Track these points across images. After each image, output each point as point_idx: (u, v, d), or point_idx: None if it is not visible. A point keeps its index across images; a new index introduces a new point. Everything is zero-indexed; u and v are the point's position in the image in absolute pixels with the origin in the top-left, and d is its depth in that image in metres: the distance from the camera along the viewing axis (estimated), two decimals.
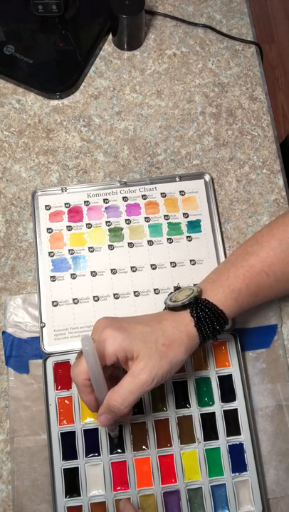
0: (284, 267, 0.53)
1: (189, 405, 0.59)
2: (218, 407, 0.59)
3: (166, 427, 0.58)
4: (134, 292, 0.63)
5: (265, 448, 0.59)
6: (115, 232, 0.65)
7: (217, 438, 0.58)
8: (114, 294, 0.63)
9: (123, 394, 0.48)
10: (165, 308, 0.55)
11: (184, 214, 0.66)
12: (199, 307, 0.51)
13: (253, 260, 0.53)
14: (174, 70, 0.76)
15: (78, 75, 0.73)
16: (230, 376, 0.60)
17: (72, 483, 0.57)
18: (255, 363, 0.62)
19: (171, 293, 0.56)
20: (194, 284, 0.63)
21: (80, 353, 0.49)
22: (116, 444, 0.58)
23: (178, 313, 0.52)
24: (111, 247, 0.65)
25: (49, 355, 0.60)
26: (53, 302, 0.62)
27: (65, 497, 0.56)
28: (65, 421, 0.58)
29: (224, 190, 0.69)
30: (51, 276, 0.63)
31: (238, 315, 0.55)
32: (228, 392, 0.60)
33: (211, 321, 0.51)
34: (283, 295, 0.58)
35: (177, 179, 0.68)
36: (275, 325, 0.63)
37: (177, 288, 0.56)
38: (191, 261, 0.64)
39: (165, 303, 0.54)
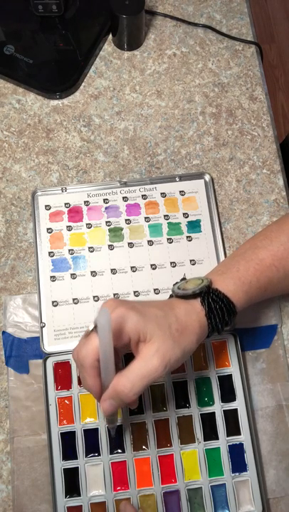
0: None
1: (189, 405, 0.59)
2: (218, 407, 0.59)
3: (166, 427, 0.58)
4: (134, 292, 0.63)
5: (265, 448, 0.59)
6: (115, 232, 0.65)
7: (217, 438, 0.58)
8: (114, 294, 0.63)
9: (133, 379, 0.45)
10: (171, 296, 0.54)
11: (184, 214, 0.66)
12: (211, 296, 0.50)
13: (263, 254, 0.53)
14: (174, 70, 0.76)
15: (78, 75, 0.73)
16: (230, 376, 0.60)
17: (72, 483, 0.57)
18: (255, 363, 0.62)
19: (178, 282, 0.55)
20: None
21: (88, 333, 0.46)
22: (113, 438, 0.57)
23: (188, 301, 0.50)
24: (111, 247, 0.65)
25: (49, 355, 0.60)
26: (53, 302, 0.62)
27: (65, 497, 0.56)
28: (65, 421, 0.58)
29: (224, 190, 0.69)
30: (51, 276, 0.63)
31: (244, 308, 0.53)
32: (228, 392, 0.60)
33: (221, 312, 0.50)
34: None
35: (177, 179, 0.68)
36: (275, 325, 0.63)
37: (183, 278, 0.56)
38: (191, 261, 0.64)
39: (173, 291, 0.53)
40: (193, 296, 0.50)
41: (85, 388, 0.49)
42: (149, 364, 0.45)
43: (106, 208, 0.66)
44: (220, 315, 0.50)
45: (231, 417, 0.59)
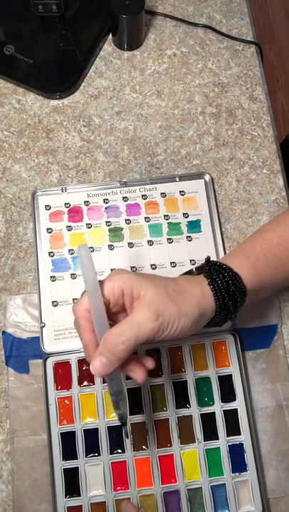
0: None
1: (189, 405, 0.59)
2: (218, 407, 0.59)
3: (166, 427, 0.58)
4: None
5: (265, 448, 0.59)
6: (115, 232, 0.65)
7: (217, 438, 0.58)
8: None
9: (123, 330, 0.43)
10: None
11: (184, 214, 0.66)
12: (213, 267, 0.49)
13: (270, 235, 0.52)
14: (174, 70, 0.76)
15: (78, 75, 0.73)
16: (230, 376, 0.60)
17: (72, 483, 0.57)
18: (255, 363, 0.62)
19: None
20: None
21: (84, 292, 0.45)
22: (123, 424, 0.50)
23: (192, 275, 0.50)
24: (111, 247, 0.65)
25: (49, 355, 0.60)
26: (53, 302, 0.62)
27: (65, 497, 0.56)
28: (65, 421, 0.58)
29: (224, 190, 0.69)
30: (51, 276, 0.63)
31: (258, 289, 0.51)
32: (228, 392, 0.60)
33: (226, 284, 0.48)
34: None
35: (177, 179, 0.68)
36: (275, 325, 0.63)
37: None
38: (191, 261, 0.64)
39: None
40: (197, 273, 0.50)
41: (84, 353, 0.46)
42: (140, 315, 0.43)
43: (106, 208, 0.66)
44: (225, 287, 0.48)
45: (231, 417, 0.59)
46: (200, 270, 0.50)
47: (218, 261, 0.50)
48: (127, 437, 0.57)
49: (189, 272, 0.52)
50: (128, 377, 0.59)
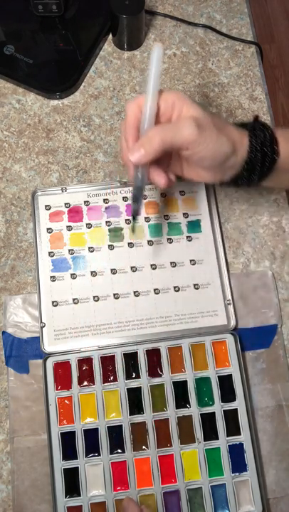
0: None
1: (189, 405, 0.59)
2: (218, 407, 0.59)
3: (166, 427, 0.58)
4: (134, 292, 0.63)
5: (265, 448, 0.59)
6: (115, 232, 0.65)
7: (217, 438, 0.58)
8: (114, 294, 0.63)
9: (165, 128, 0.48)
10: None
11: (183, 214, 0.66)
12: (258, 125, 0.53)
13: None
14: (174, 70, 0.76)
15: (78, 75, 0.73)
16: (230, 376, 0.60)
17: (72, 483, 0.57)
18: (255, 363, 0.62)
19: None
20: (194, 284, 0.63)
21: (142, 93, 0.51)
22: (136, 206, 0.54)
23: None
24: (111, 247, 0.65)
25: (49, 355, 0.60)
26: (53, 302, 0.62)
27: (65, 497, 0.56)
28: (65, 421, 0.58)
29: (224, 190, 0.69)
30: (51, 276, 0.63)
31: (285, 166, 0.54)
32: (228, 392, 0.60)
33: (262, 142, 0.51)
34: None
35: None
36: (275, 325, 0.63)
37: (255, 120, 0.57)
38: (191, 261, 0.64)
39: None
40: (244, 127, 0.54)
41: (121, 146, 0.52)
42: (183, 122, 0.48)
43: (106, 208, 0.66)
44: (260, 144, 0.51)
45: (231, 417, 0.59)
46: (247, 125, 0.53)
47: (266, 123, 0.54)
48: (133, 233, 0.60)
49: (238, 125, 0.55)
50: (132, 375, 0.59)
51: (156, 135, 0.47)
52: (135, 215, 0.55)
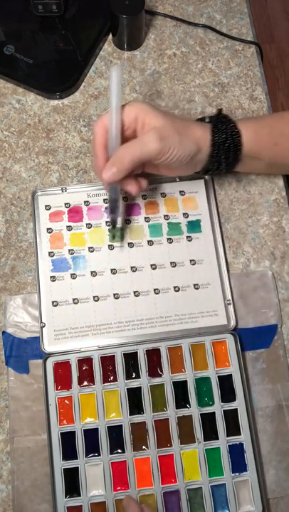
0: None
1: (189, 405, 0.59)
2: (218, 407, 0.59)
3: (166, 427, 0.58)
4: (134, 292, 0.63)
5: (265, 448, 0.59)
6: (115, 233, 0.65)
7: (217, 438, 0.58)
8: (114, 294, 0.63)
9: (131, 145, 0.52)
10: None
11: (183, 214, 0.66)
12: (220, 118, 0.57)
13: (285, 112, 0.60)
14: (174, 70, 0.76)
15: (78, 75, 0.73)
16: (230, 376, 0.60)
17: (72, 483, 0.57)
18: (255, 363, 0.62)
19: None
20: (194, 284, 0.64)
21: (106, 112, 0.54)
22: (113, 227, 0.61)
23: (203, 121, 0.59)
24: (111, 247, 0.65)
25: (49, 355, 0.60)
26: (53, 302, 0.62)
27: (65, 497, 0.56)
28: (65, 421, 0.58)
29: (224, 190, 0.69)
30: (51, 276, 0.63)
31: (254, 156, 0.58)
32: (228, 392, 0.60)
33: (225, 134, 0.56)
34: None
35: (177, 179, 0.67)
36: (275, 325, 0.63)
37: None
38: (191, 261, 0.64)
39: None
40: (207, 121, 0.58)
41: (94, 163, 0.56)
42: (146, 136, 0.52)
43: (106, 208, 0.66)
44: (223, 137, 0.56)
45: (231, 417, 0.59)
46: (210, 119, 0.58)
47: (228, 115, 0.58)
48: (113, 239, 0.63)
49: (202, 120, 0.60)
50: (132, 377, 0.59)
51: (126, 154, 0.52)
52: (114, 224, 0.61)
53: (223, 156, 0.57)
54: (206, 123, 0.58)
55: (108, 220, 0.66)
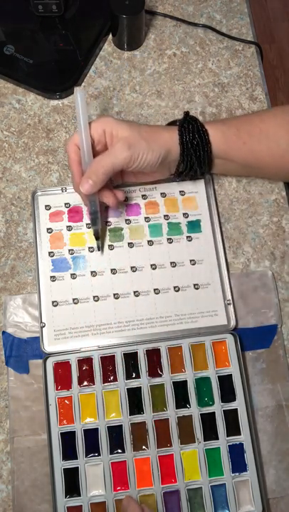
0: (278, 130, 0.60)
1: (189, 405, 0.59)
2: (218, 407, 0.59)
3: (166, 427, 0.58)
4: (134, 292, 0.63)
5: (265, 448, 0.59)
6: (115, 232, 0.65)
7: (217, 438, 0.58)
8: (114, 294, 0.63)
9: (103, 158, 0.56)
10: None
11: (184, 214, 0.66)
12: (187, 119, 0.60)
13: (253, 116, 0.62)
14: (174, 70, 0.76)
15: (78, 75, 0.73)
16: (230, 376, 0.60)
17: (72, 483, 0.57)
18: (255, 363, 0.62)
19: None
20: (194, 284, 0.64)
21: (76, 131, 0.58)
22: (99, 248, 0.64)
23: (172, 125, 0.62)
24: (111, 247, 0.65)
25: (49, 355, 0.60)
26: (53, 302, 0.62)
27: (65, 497, 0.56)
28: (65, 421, 0.58)
29: (224, 190, 0.69)
30: (51, 276, 0.63)
31: (225, 157, 0.61)
32: (228, 392, 0.60)
33: (193, 134, 0.58)
34: (267, 163, 0.62)
35: (177, 179, 0.67)
36: (275, 325, 0.63)
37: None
38: (191, 261, 0.64)
39: None
40: (176, 124, 0.60)
41: (72, 181, 0.60)
42: (116, 147, 0.56)
43: (106, 208, 0.66)
44: (190, 137, 0.58)
45: (231, 417, 0.59)
46: (179, 122, 0.60)
47: (195, 117, 0.61)
48: (99, 250, 0.64)
49: (173, 123, 0.63)
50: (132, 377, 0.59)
51: (99, 166, 0.56)
52: (97, 235, 0.63)
53: (194, 155, 0.59)
54: (174, 126, 0.61)
55: (108, 220, 0.66)
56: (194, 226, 0.66)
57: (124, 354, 0.60)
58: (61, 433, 0.58)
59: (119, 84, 0.75)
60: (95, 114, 0.73)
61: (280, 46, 1.83)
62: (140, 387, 0.59)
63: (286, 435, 0.60)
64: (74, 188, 0.61)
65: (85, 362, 0.60)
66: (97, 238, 0.63)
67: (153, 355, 0.61)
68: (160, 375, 0.60)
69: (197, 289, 0.63)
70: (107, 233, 0.65)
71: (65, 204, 0.66)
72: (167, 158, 0.59)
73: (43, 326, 0.61)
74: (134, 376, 0.60)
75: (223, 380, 0.60)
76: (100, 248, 0.64)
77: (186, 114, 0.61)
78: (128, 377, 0.60)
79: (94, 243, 0.64)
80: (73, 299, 0.63)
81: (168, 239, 0.65)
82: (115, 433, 0.58)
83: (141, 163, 0.57)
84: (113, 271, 0.64)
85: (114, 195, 0.61)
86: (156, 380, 0.60)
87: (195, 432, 0.58)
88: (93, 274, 0.64)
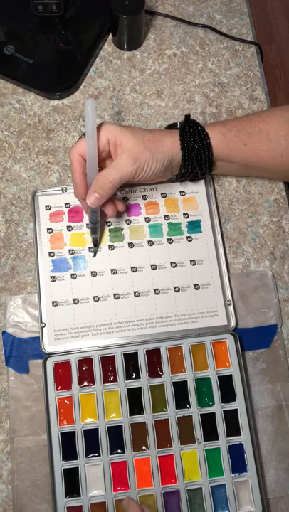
0: (279, 130, 0.60)
1: (189, 405, 0.59)
2: (218, 408, 0.59)
3: (166, 427, 0.58)
4: (134, 292, 0.63)
5: (265, 448, 0.59)
6: (115, 233, 0.65)
7: (217, 438, 0.58)
8: (115, 294, 0.63)
9: (109, 171, 0.56)
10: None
11: (184, 214, 0.66)
12: (188, 123, 0.60)
13: (253, 116, 0.62)
14: (174, 70, 0.76)
15: (78, 75, 0.73)
16: (230, 376, 0.60)
17: (72, 483, 0.57)
18: (255, 363, 0.62)
19: None
20: (194, 284, 0.64)
21: (81, 137, 0.58)
22: (94, 251, 0.64)
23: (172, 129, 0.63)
24: (111, 247, 0.65)
25: (49, 355, 0.60)
26: (53, 302, 0.62)
27: (65, 497, 0.56)
28: (65, 421, 0.58)
29: (224, 190, 0.69)
30: (51, 277, 0.63)
31: (225, 158, 0.61)
32: (228, 393, 0.60)
33: (194, 138, 0.59)
34: (268, 162, 0.62)
35: (179, 181, 0.67)
36: (275, 325, 0.63)
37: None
38: (191, 261, 0.64)
39: None
40: (177, 128, 0.61)
41: (74, 190, 0.60)
42: (122, 161, 0.56)
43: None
44: (192, 141, 0.59)
45: (231, 417, 0.59)
46: (180, 125, 0.61)
47: (196, 120, 0.61)
48: (94, 256, 0.64)
49: (173, 126, 0.65)
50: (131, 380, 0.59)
51: (106, 181, 0.56)
52: (95, 243, 0.64)
53: (196, 159, 0.60)
54: (175, 129, 0.61)
55: (108, 220, 0.66)
56: (194, 226, 0.66)
57: (124, 354, 0.60)
58: (61, 433, 0.58)
59: (119, 84, 0.75)
60: (94, 115, 0.73)
61: (280, 46, 1.83)
62: (140, 388, 0.59)
63: (286, 435, 0.60)
64: (75, 195, 0.61)
65: (85, 362, 0.60)
66: (95, 245, 0.64)
67: (153, 356, 0.61)
68: (160, 376, 0.60)
69: (197, 289, 0.63)
70: (107, 233, 0.65)
71: (66, 204, 0.66)
72: (171, 164, 0.60)
73: (43, 326, 0.61)
74: (134, 376, 0.60)
75: (223, 380, 0.60)
76: (95, 255, 0.64)
77: (187, 117, 0.61)
78: (128, 377, 0.60)
79: (104, 239, 0.65)
80: (73, 299, 0.63)
81: (168, 239, 0.65)
82: (115, 433, 0.58)
83: (146, 174, 0.58)
84: (113, 271, 0.64)
85: (114, 206, 0.62)
86: (156, 381, 0.60)
87: (195, 432, 0.58)
88: (93, 274, 0.64)
